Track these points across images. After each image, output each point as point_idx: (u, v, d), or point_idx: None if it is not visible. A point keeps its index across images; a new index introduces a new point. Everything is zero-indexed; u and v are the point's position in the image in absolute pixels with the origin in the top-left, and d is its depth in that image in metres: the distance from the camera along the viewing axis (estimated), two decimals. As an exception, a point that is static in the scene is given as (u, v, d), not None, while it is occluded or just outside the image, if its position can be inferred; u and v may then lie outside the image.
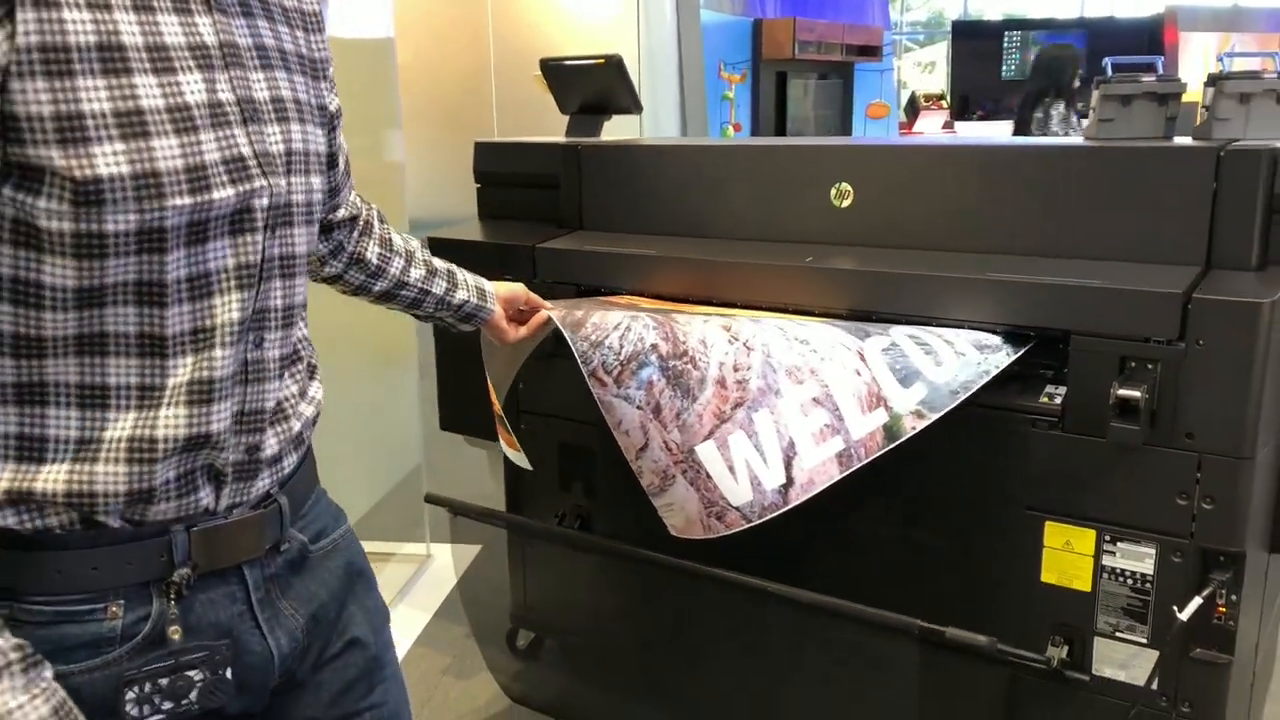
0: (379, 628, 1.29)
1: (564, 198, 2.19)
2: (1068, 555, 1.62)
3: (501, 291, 1.66)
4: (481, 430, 2.18)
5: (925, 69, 15.39)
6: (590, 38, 5.60)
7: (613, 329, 1.68)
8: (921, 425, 1.53)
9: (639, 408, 1.63)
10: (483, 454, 2.35)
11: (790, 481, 1.56)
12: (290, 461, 1.14)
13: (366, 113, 3.12)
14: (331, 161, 1.23)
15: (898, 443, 1.54)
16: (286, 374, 1.11)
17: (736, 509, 1.58)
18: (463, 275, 1.58)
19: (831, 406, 1.57)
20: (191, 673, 1.03)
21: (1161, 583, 1.56)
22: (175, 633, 1.02)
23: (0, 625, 0.92)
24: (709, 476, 1.59)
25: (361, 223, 1.42)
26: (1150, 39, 8.59)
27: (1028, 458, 1.62)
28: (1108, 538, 1.59)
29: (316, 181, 1.11)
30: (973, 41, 9.59)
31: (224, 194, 0.96)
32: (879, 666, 1.82)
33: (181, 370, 0.98)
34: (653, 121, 6.11)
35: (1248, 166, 1.53)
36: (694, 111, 6.16)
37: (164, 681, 1.02)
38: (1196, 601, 1.50)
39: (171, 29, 0.94)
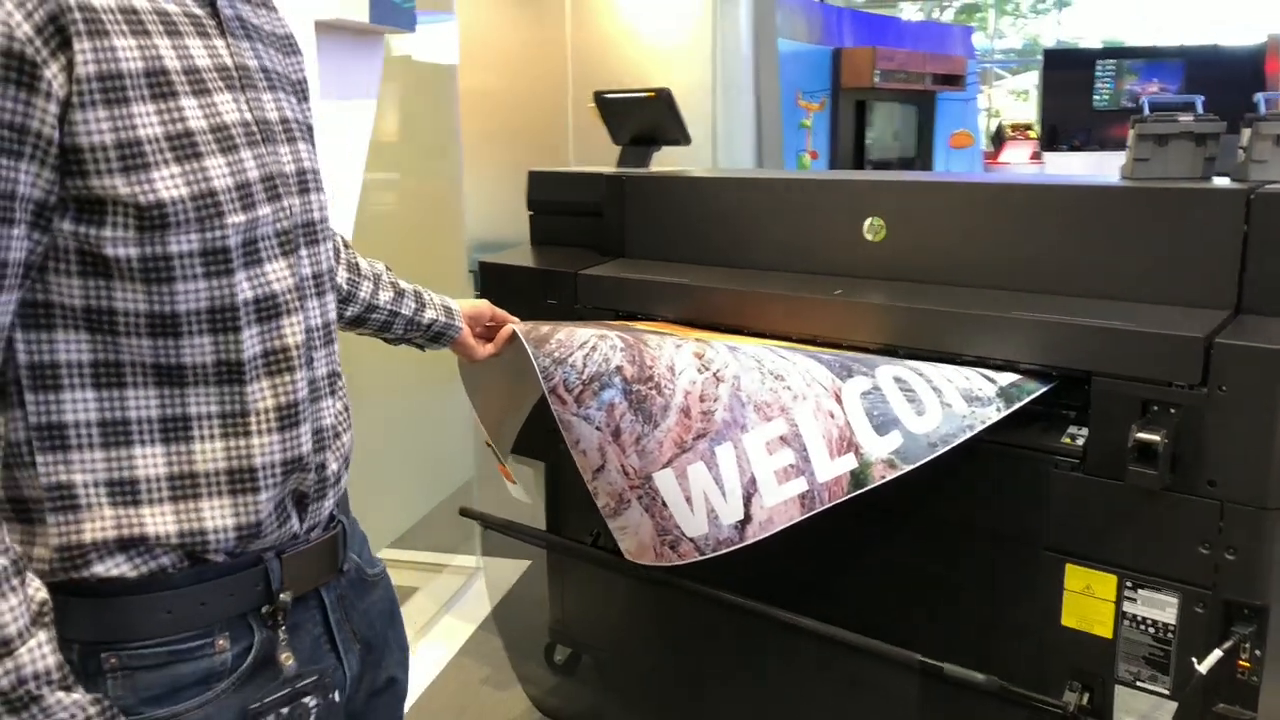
0: (407, 667, 1.30)
1: (608, 226, 2.24)
2: (1088, 599, 1.60)
3: (466, 309, 1.63)
4: (520, 448, 2.23)
5: (1020, 97, 15.16)
6: (666, 65, 5.66)
7: (578, 347, 1.65)
8: (892, 475, 1.51)
9: (598, 429, 1.60)
10: (530, 471, 2.40)
11: (748, 519, 1.54)
12: (346, 479, 1.16)
13: (428, 139, 3.22)
14: None
15: (863, 490, 1.52)
16: (336, 390, 1.13)
17: (691, 540, 1.56)
18: (429, 295, 1.57)
19: (798, 447, 1.55)
20: (307, 699, 1.05)
21: (1183, 633, 1.52)
22: (287, 659, 1.03)
23: (73, 681, 0.90)
24: (664, 505, 1.57)
25: (341, 257, 1.42)
26: (1254, 70, 8.36)
27: (1049, 498, 1.60)
28: (1129, 584, 1.56)
29: (325, 198, 1.13)
30: (1064, 71, 9.44)
31: (266, 210, 0.99)
32: (899, 703, 1.81)
33: (263, 396, 0.99)
34: (727, 148, 6.14)
35: (1279, 210, 1.51)
36: (769, 139, 6.17)
37: (285, 710, 1.03)
38: (1216, 655, 1.47)
39: (199, 52, 0.96)
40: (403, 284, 1.52)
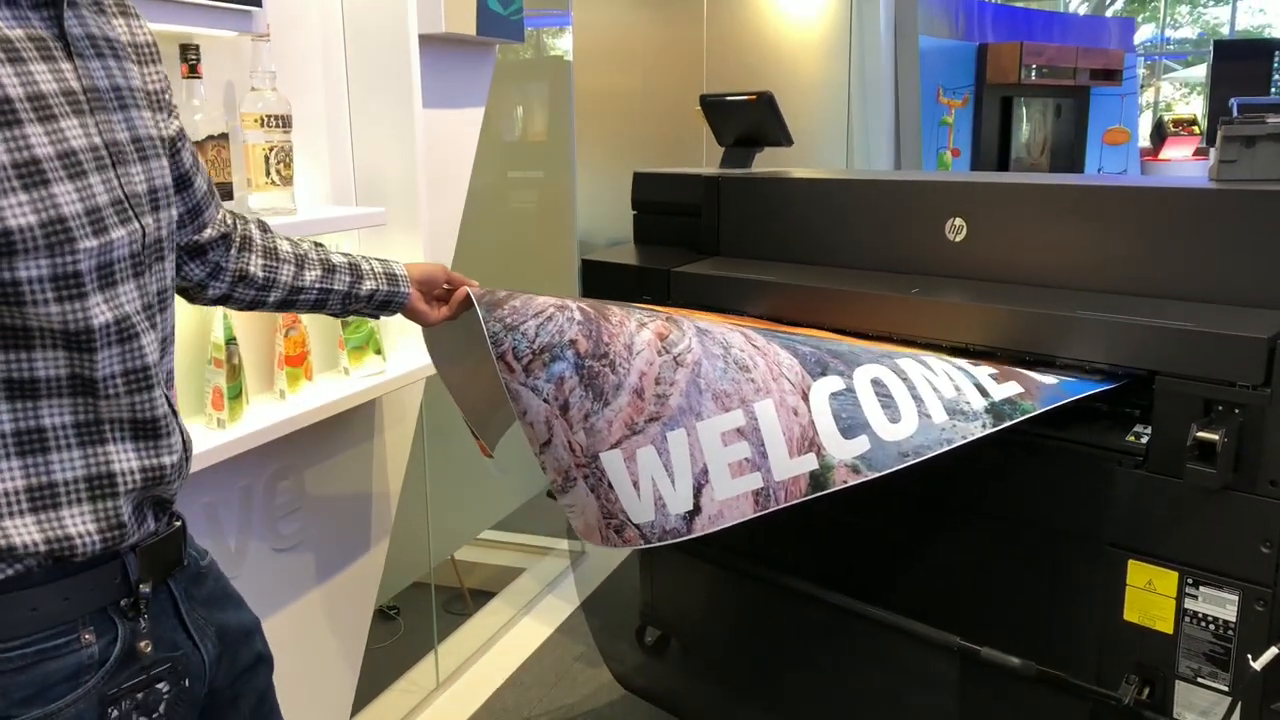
0: (264, 638, 1.33)
1: (704, 226, 2.34)
2: (1150, 595, 1.61)
3: (416, 274, 1.58)
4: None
5: (1194, 91, 14.43)
6: (803, 62, 5.69)
7: (532, 315, 1.57)
8: (855, 481, 1.49)
9: (546, 401, 1.53)
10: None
11: (697, 510, 1.51)
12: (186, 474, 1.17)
13: (542, 136, 3.37)
14: (186, 182, 1.23)
15: (824, 493, 1.49)
16: (171, 397, 1.14)
17: (636, 526, 1.52)
18: (370, 264, 1.52)
19: (756, 441, 1.52)
20: (160, 685, 1.09)
21: (1244, 631, 1.53)
22: (146, 646, 1.07)
23: None
24: (610, 486, 1.52)
25: (238, 238, 1.37)
26: None
27: (1113, 495, 1.63)
28: (1190, 580, 1.57)
29: (175, 214, 1.13)
30: (1237, 62, 8.96)
31: (120, 234, 0.99)
32: (967, 693, 1.85)
33: (119, 410, 1.02)
34: (864, 146, 6.13)
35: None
36: (908, 136, 6.13)
37: (140, 696, 1.06)
38: (1272, 652, 1.47)
39: (44, 77, 0.95)
40: (336, 258, 1.48)
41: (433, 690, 2.81)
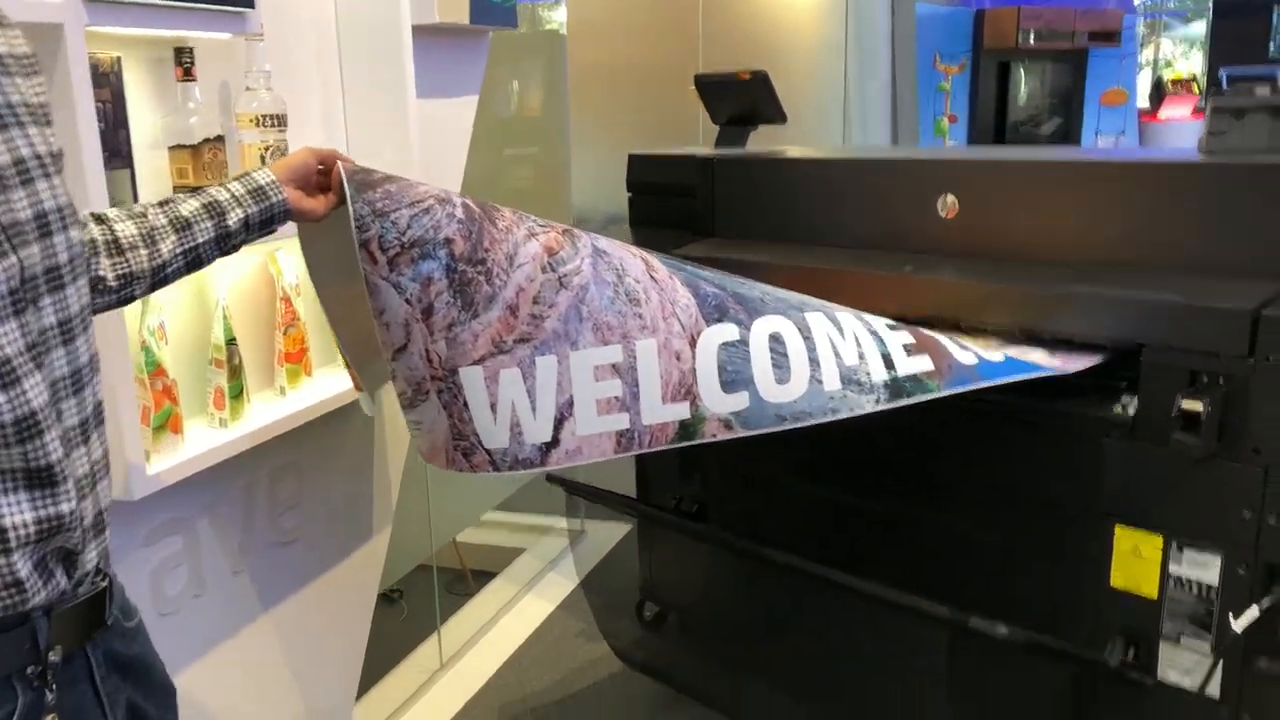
0: (175, 709, 1.27)
1: (699, 207, 2.37)
2: (1136, 560, 1.65)
3: (284, 172, 1.39)
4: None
5: (1194, 46, 14.32)
6: (799, 31, 5.68)
7: (407, 204, 1.41)
8: (725, 436, 1.44)
9: (408, 301, 1.39)
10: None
11: (555, 443, 1.42)
12: (108, 530, 1.10)
13: (536, 113, 3.38)
14: None
15: (691, 443, 1.45)
16: (93, 438, 1.06)
17: (487, 451, 1.43)
18: (226, 193, 1.33)
19: (630, 380, 1.44)
20: None
21: (1226, 593, 1.57)
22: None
23: None
24: (466, 405, 1.41)
25: (99, 246, 1.24)
26: None
27: (1101, 465, 1.67)
28: (1175, 546, 1.61)
29: (74, 235, 1.02)
30: (1236, 19, 8.91)
31: None
32: (959, 661, 1.90)
33: (10, 459, 0.95)
34: (861, 115, 6.13)
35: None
36: (905, 104, 6.13)
37: None
38: (1252, 612, 1.52)
39: None
40: (187, 207, 1.29)
41: (436, 670, 2.87)
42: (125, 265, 1.22)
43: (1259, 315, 1.49)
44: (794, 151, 2.32)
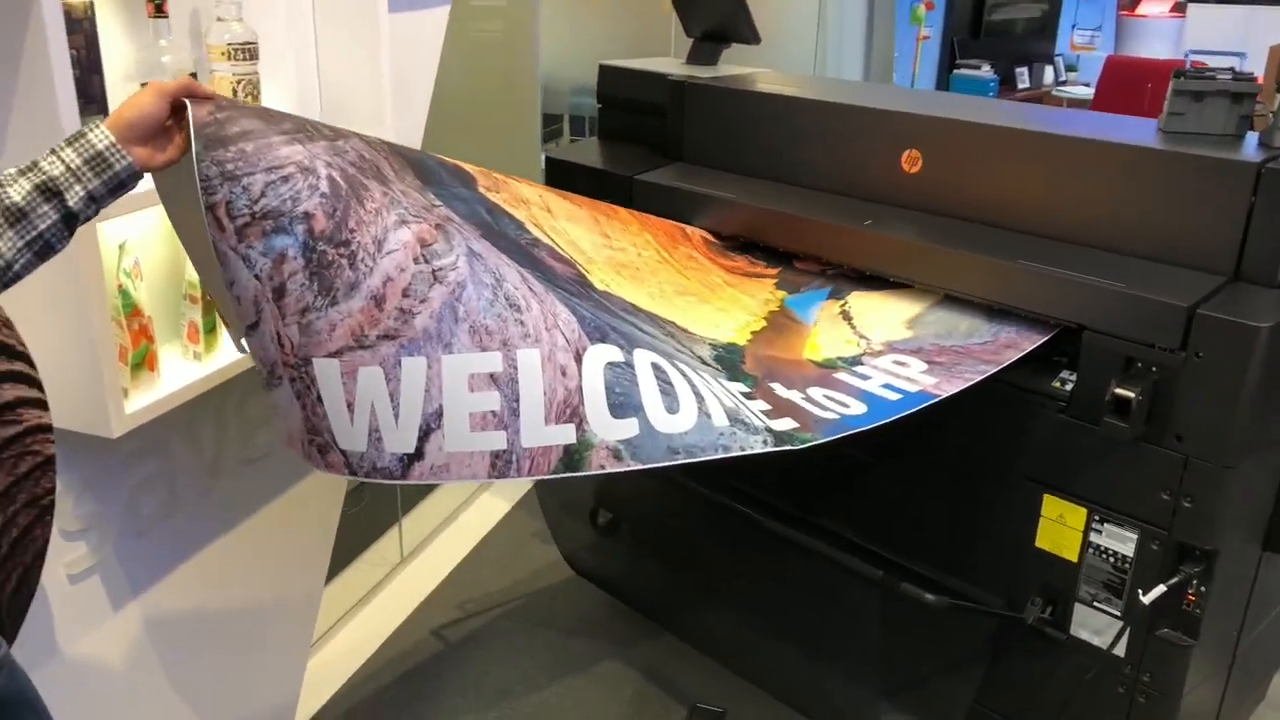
0: None
1: (669, 129, 2.36)
2: (1060, 527, 1.76)
3: (123, 129, 1.17)
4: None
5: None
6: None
7: (264, 168, 1.24)
8: (613, 468, 1.30)
9: (258, 278, 1.24)
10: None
11: (420, 455, 1.28)
12: None
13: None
14: None
15: (574, 475, 1.31)
16: None
17: (342, 452, 1.29)
18: (60, 165, 1.13)
19: (511, 394, 1.29)
20: None
21: (1139, 567, 1.69)
22: None
23: None
24: (319, 400, 1.27)
25: None
26: None
27: (1036, 434, 1.75)
28: (1097, 518, 1.72)
29: None
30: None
31: None
32: (888, 606, 2.02)
33: None
34: (837, 4, 6.00)
35: (1283, 187, 1.57)
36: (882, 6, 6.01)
37: None
38: (1160, 589, 1.63)
39: None
40: (16, 194, 1.11)
41: (397, 564, 2.96)
42: None
43: (1194, 312, 1.55)
44: (764, 84, 2.30)
